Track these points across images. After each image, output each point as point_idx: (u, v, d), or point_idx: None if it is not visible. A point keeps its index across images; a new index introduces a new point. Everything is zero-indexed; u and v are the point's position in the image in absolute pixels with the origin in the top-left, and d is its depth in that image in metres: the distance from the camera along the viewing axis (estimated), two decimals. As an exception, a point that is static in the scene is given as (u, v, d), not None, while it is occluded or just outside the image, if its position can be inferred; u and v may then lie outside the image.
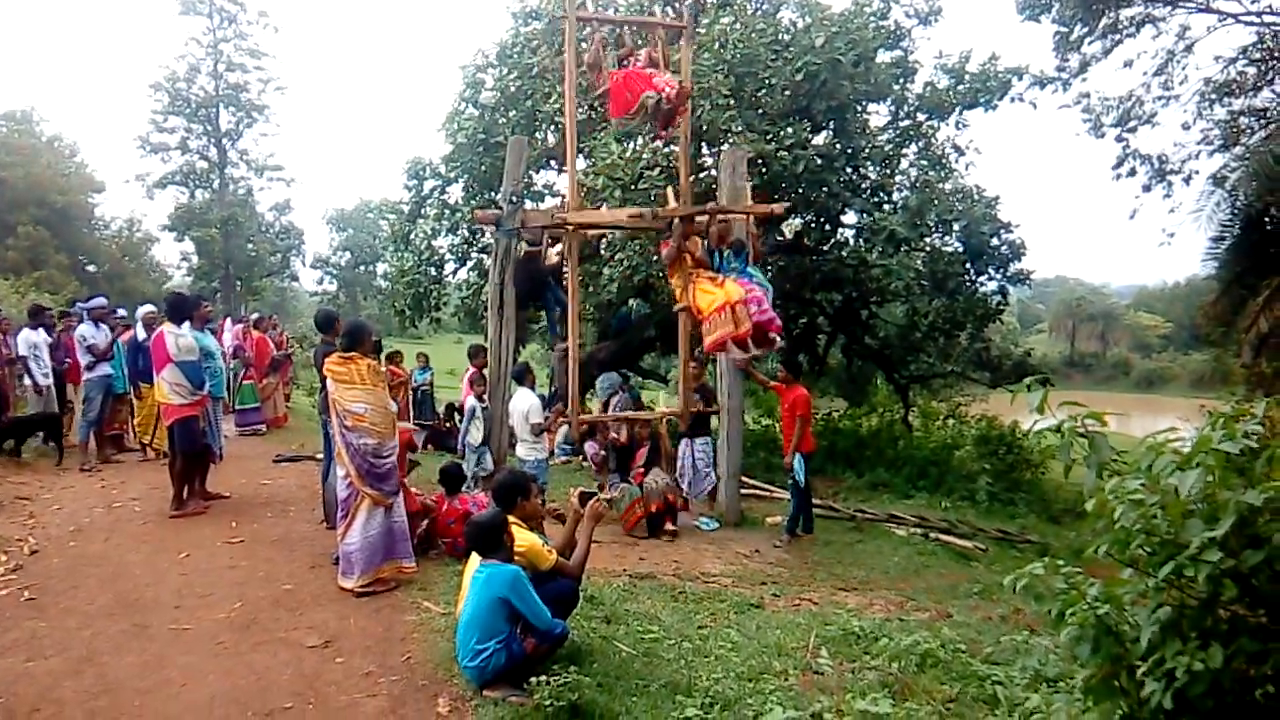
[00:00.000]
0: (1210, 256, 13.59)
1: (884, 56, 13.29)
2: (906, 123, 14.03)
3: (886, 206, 13.07)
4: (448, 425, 12.79)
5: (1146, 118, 16.33)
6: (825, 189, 12.67)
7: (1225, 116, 15.92)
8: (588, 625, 4.88)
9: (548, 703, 3.63)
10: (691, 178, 9.84)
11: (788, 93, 12.24)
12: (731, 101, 11.63)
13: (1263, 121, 15.14)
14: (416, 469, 7.23)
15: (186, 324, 7.37)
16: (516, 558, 4.13)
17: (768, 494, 10.93)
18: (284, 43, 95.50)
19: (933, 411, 17.08)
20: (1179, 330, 50.88)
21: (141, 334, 8.93)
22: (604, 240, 11.76)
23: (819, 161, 11.96)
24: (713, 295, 7.79)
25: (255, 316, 15.18)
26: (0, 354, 9.66)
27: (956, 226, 13.11)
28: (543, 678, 3.71)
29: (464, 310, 17.10)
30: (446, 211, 15.58)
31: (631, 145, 12.09)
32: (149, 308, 9.67)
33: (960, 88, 13.65)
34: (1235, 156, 14.11)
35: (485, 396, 8.70)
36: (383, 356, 8.03)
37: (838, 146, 13.04)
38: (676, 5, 10.85)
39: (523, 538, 4.29)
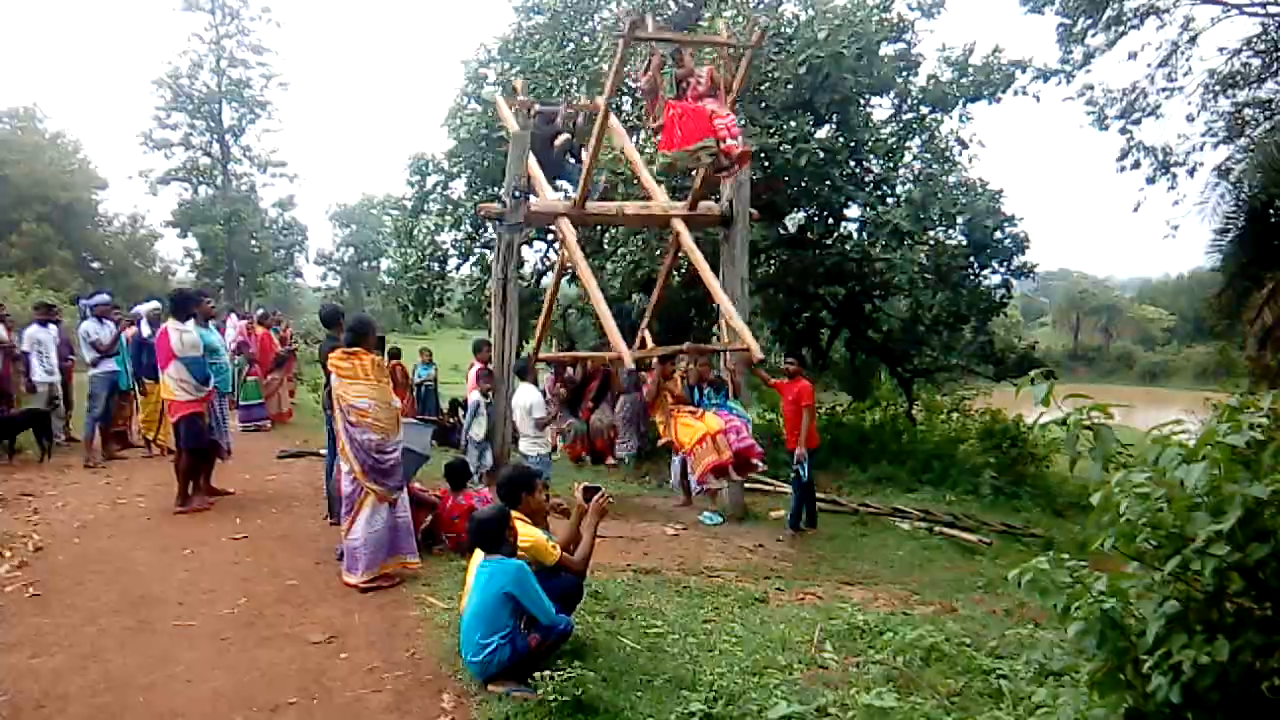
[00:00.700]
0: (1214, 249, 13.48)
1: (887, 49, 13.20)
2: (910, 116, 13.95)
3: (890, 200, 13.03)
4: (451, 421, 12.79)
5: (1150, 110, 16.19)
6: (828, 183, 12.62)
7: (1230, 108, 15.78)
8: (592, 620, 4.88)
9: (552, 698, 3.63)
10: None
11: (790, 86, 12.18)
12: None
13: (1267, 113, 15.02)
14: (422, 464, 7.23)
15: (191, 320, 7.37)
16: (520, 553, 4.13)
17: (771, 488, 10.93)
18: (287, 38, 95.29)
19: (936, 405, 16.99)
20: (1183, 323, 50.70)
21: (145, 330, 8.94)
22: (607, 235, 11.74)
23: (822, 155, 11.89)
24: (693, 429, 8.24)
25: (260, 312, 15.18)
26: (3, 349, 9.68)
27: (960, 220, 13.03)
28: (547, 673, 3.71)
29: (467, 306, 17.16)
30: (450, 207, 15.60)
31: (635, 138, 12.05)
32: (153, 304, 9.69)
33: (964, 81, 13.56)
34: (1240, 148, 14.03)
35: (491, 392, 8.71)
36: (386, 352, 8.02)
37: (841, 140, 12.97)
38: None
39: (526, 533, 4.29)
